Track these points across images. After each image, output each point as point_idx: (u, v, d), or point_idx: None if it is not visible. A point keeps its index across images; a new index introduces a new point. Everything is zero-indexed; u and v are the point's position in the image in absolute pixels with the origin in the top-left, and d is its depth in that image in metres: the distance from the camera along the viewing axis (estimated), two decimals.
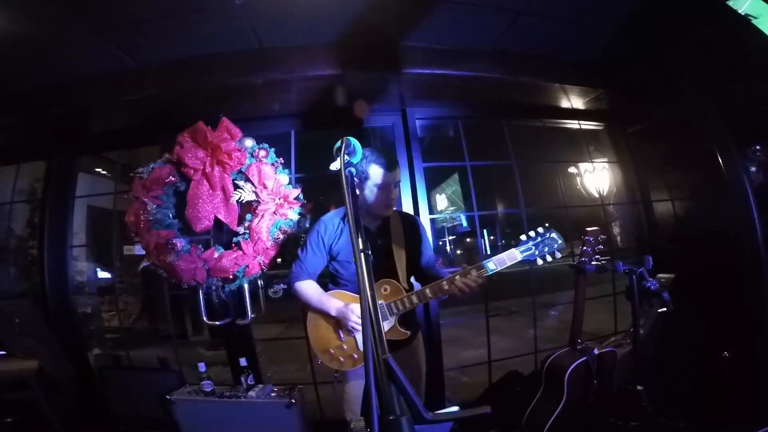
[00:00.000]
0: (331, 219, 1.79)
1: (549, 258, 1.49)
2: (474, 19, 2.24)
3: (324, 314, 1.70)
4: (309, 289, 1.75)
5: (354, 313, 1.58)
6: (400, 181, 1.76)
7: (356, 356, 1.66)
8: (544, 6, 2.19)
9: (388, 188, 1.65)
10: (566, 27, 2.38)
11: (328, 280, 1.85)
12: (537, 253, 1.49)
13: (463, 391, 3.13)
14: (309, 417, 2.31)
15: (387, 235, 1.74)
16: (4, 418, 2.37)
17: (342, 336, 1.68)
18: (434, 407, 0.75)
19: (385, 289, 1.63)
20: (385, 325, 1.61)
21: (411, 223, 1.86)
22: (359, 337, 1.63)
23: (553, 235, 1.50)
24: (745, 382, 2.25)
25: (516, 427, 2.19)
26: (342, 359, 1.68)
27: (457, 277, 1.51)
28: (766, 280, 2.46)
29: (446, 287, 1.53)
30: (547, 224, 1.53)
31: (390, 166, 1.64)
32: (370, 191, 1.65)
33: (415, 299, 1.58)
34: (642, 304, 2.03)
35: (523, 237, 1.52)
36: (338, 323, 1.66)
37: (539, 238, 1.50)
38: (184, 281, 2.43)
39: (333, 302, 1.67)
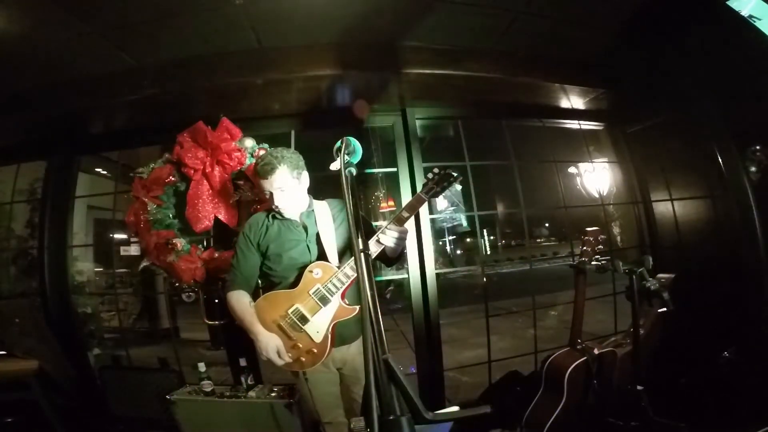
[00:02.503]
0: (256, 217, 1.79)
1: (452, 192, 1.59)
2: (474, 19, 2.24)
3: (263, 321, 1.62)
4: (235, 304, 1.68)
5: (269, 352, 1.57)
6: (282, 189, 1.66)
7: (315, 350, 1.60)
8: (544, 6, 2.19)
9: (270, 196, 1.66)
10: (566, 27, 2.38)
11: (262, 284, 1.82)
12: (439, 189, 1.56)
13: (463, 391, 3.13)
14: (309, 417, 2.31)
15: (313, 222, 1.73)
16: (4, 418, 2.36)
17: (292, 335, 1.61)
18: (434, 407, 0.75)
19: (317, 273, 1.61)
20: (330, 309, 1.59)
21: (338, 208, 1.79)
22: (309, 331, 1.59)
23: (449, 170, 1.55)
24: (745, 382, 2.25)
25: (516, 427, 2.19)
26: (303, 359, 1.62)
27: (380, 233, 1.55)
28: (766, 280, 2.47)
29: (374, 248, 1.55)
30: (442, 167, 1.58)
31: (261, 173, 1.64)
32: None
33: (349, 271, 1.56)
34: (642, 304, 2.03)
35: (424, 180, 1.58)
36: (280, 325, 1.61)
37: (437, 177, 1.55)
38: (184, 281, 2.43)
39: (254, 327, 1.61)
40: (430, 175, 1.56)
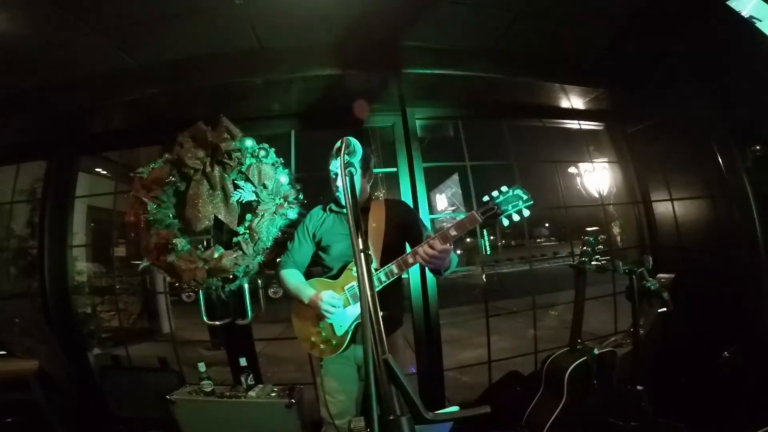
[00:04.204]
0: (317, 210, 1.92)
1: (516, 217, 1.38)
2: (474, 19, 2.24)
3: (302, 302, 1.72)
4: (289, 277, 1.81)
5: (323, 301, 1.59)
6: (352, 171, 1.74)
7: (335, 342, 1.67)
8: (544, 6, 2.19)
9: (335, 177, 1.74)
10: (566, 27, 2.38)
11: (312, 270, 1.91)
12: (500, 212, 1.39)
13: (463, 391, 3.13)
14: (309, 417, 2.31)
15: (365, 221, 1.72)
16: (4, 418, 2.36)
17: (318, 322, 1.69)
18: (434, 407, 0.75)
19: (355, 271, 1.61)
20: (358, 307, 1.62)
21: (395, 208, 1.85)
22: (335, 322, 1.65)
23: (518, 192, 1.38)
24: (745, 382, 2.25)
25: (516, 427, 2.19)
26: (322, 346, 1.70)
27: (420, 247, 1.48)
28: (766, 280, 2.46)
29: (411, 260, 1.52)
30: (512, 185, 1.42)
31: (333, 154, 1.72)
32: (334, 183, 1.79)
33: (383, 277, 1.55)
34: (642, 304, 2.03)
35: (485, 198, 1.42)
36: (312, 309, 1.68)
37: (502, 197, 1.39)
38: (184, 281, 2.43)
39: (307, 291, 1.70)
40: (495, 193, 1.40)
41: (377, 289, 1.55)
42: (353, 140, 1.13)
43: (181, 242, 2.45)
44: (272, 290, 2.59)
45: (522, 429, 2.14)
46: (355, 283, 1.62)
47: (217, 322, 2.59)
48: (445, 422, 0.79)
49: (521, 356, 2.97)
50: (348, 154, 1.10)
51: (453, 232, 1.44)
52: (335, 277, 1.73)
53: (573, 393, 2.04)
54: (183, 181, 2.51)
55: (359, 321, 1.62)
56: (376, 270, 1.58)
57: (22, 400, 2.33)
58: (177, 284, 2.54)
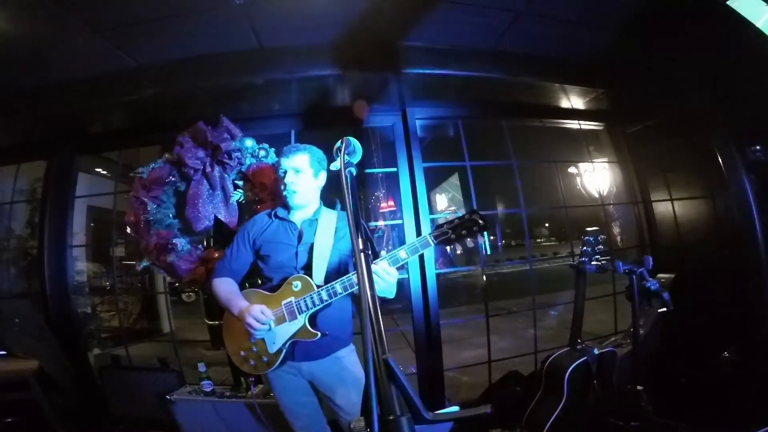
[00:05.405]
0: (261, 216, 1.79)
1: (470, 243, 1.37)
2: (474, 19, 2.24)
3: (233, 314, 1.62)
4: (221, 286, 1.68)
5: (251, 315, 1.49)
6: (297, 170, 1.66)
7: (266, 359, 1.57)
8: (544, 6, 2.20)
9: (283, 176, 1.66)
10: (566, 27, 2.38)
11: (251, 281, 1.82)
12: (454, 237, 1.36)
13: (463, 391, 3.13)
14: None
15: (312, 231, 1.66)
16: (4, 418, 2.36)
17: (252, 338, 1.58)
18: (434, 407, 0.75)
19: (296, 286, 1.56)
20: (294, 325, 1.55)
21: (343, 220, 1.71)
22: (267, 338, 1.56)
23: (474, 216, 1.35)
24: (745, 382, 2.25)
25: (516, 427, 2.19)
26: (252, 362, 1.61)
27: (377, 278, 1.41)
28: (766, 280, 2.47)
29: (356, 280, 1.43)
30: (472, 211, 1.39)
31: (285, 152, 1.68)
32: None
33: (324, 295, 1.49)
34: (642, 304, 2.03)
35: (442, 220, 1.39)
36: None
37: (458, 222, 1.36)
38: (184, 281, 2.43)
39: (238, 302, 1.59)
40: (452, 217, 1.37)
41: (317, 309, 1.52)
42: (353, 140, 1.12)
43: (181, 242, 2.45)
44: None
45: (522, 429, 2.14)
46: (293, 299, 1.53)
47: (217, 322, 2.59)
48: (445, 422, 0.79)
49: (521, 356, 2.97)
50: (348, 154, 1.09)
51: (403, 255, 1.42)
52: (274, 289, 1.60)
53: (573, 393, 2.03)
54: (183, 181, 2.51)
55: (294, 339, 1.56)
56: (319, 287, 1.52)
57: (22, 400, 2.33)
58: (177, 284, 2.54)
